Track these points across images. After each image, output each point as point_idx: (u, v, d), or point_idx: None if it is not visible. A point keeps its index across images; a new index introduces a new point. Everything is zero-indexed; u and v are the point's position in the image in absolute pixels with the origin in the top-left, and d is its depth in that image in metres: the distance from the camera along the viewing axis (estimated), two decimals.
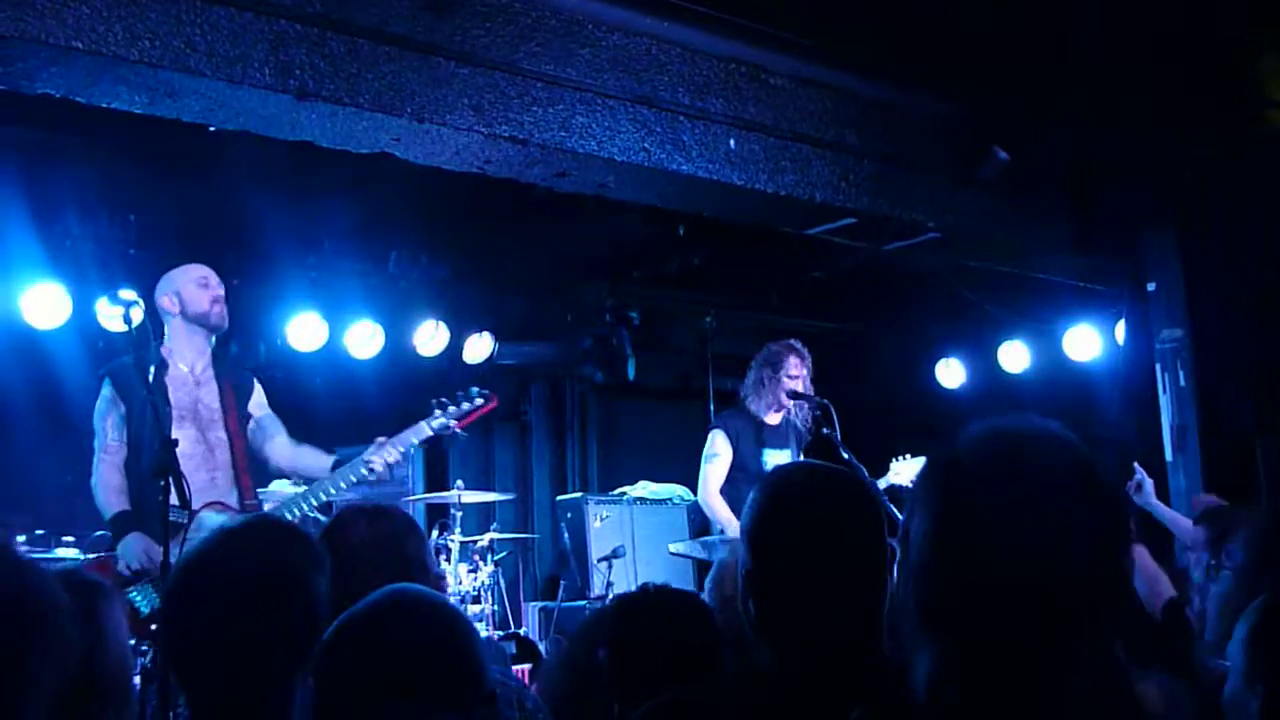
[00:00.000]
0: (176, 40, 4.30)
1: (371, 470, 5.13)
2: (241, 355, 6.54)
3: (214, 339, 5.33)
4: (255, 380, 5.54)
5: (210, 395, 5.23)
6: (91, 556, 5.17)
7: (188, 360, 5.23)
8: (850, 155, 6.16)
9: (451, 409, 5.37)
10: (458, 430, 5.46)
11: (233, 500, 5.11)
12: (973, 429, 1.57)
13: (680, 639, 2.86)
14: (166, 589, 2.42)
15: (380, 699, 1.99)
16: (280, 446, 5.41)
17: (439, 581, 3.13)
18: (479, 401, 5.43)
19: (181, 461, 4.64)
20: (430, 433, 5.32)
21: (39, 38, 4.03)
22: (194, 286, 5.23)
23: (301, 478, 5.57)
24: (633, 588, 7.61)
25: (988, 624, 1.45)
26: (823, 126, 6.06)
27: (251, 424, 5.38)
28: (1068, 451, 1.52)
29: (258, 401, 5.46)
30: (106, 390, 5.09)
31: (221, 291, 5.30)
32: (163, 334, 5.22)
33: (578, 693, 3.08)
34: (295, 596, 2.32)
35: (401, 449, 5.19)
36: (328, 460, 5.31)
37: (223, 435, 5.19)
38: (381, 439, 5.22)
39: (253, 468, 5.30)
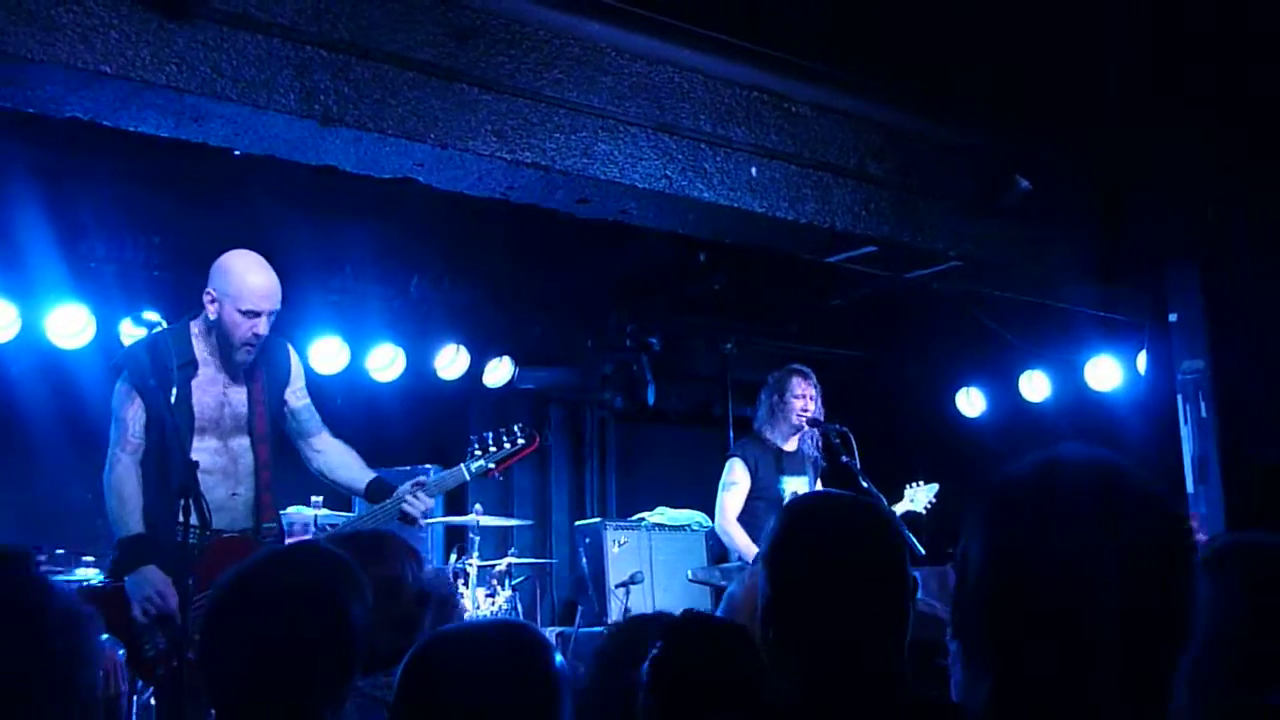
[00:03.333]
0: (203, 65, 4.34)
1: (408, 519, 4.82)
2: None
3: None
4: (292, 360, 5.01)
5: (238, 394, 4.76)
6: (104, 583, 4.70)
7: (218, 357, 4.74)
8: (872, 183, 6.16)
9: (492, 450, 5.10)
10: (497, 475, 5.20)
11: (249, 522, 4.71)
12: (1028, 456, 1.59)
13: (726, 667, 2.83)
14: (208, 607, 2.43)
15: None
16: (319, 446, 5.01)
17: (418, 602, 3.14)
18: (520, 443, 5.13)
19: (201, 476, 4.37)
20: (468, 478, 5.08)
21: (68, 62, 4.07)
22: (237, 312, 4.64)
23: (336, 485, 5.15)
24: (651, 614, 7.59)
25: (1048, 646, 1.46)
26: (844, 154, 6.07)
27: (287, 413, 4.96)
28: (1122, 478, 1.53)
29: (295, 389, 4.98)
30: (124, 381, 4.61)
31: (264, 329, 4.67)
32: (198, 316, 4.75)
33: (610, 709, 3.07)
34: (332, 624, 2.34)
35: (434, 495, 4.89)
36: (364, 478, 4.95)
37: (245, 441, 4.74)
38: (421, 479, 4.89)
39: (275, 479, 4.85)
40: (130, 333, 6.90)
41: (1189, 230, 6.88)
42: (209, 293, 4.71)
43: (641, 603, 7.75)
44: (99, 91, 4.29)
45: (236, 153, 4.92)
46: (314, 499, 6.29)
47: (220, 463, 4.69)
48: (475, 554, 7.42)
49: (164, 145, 4.76)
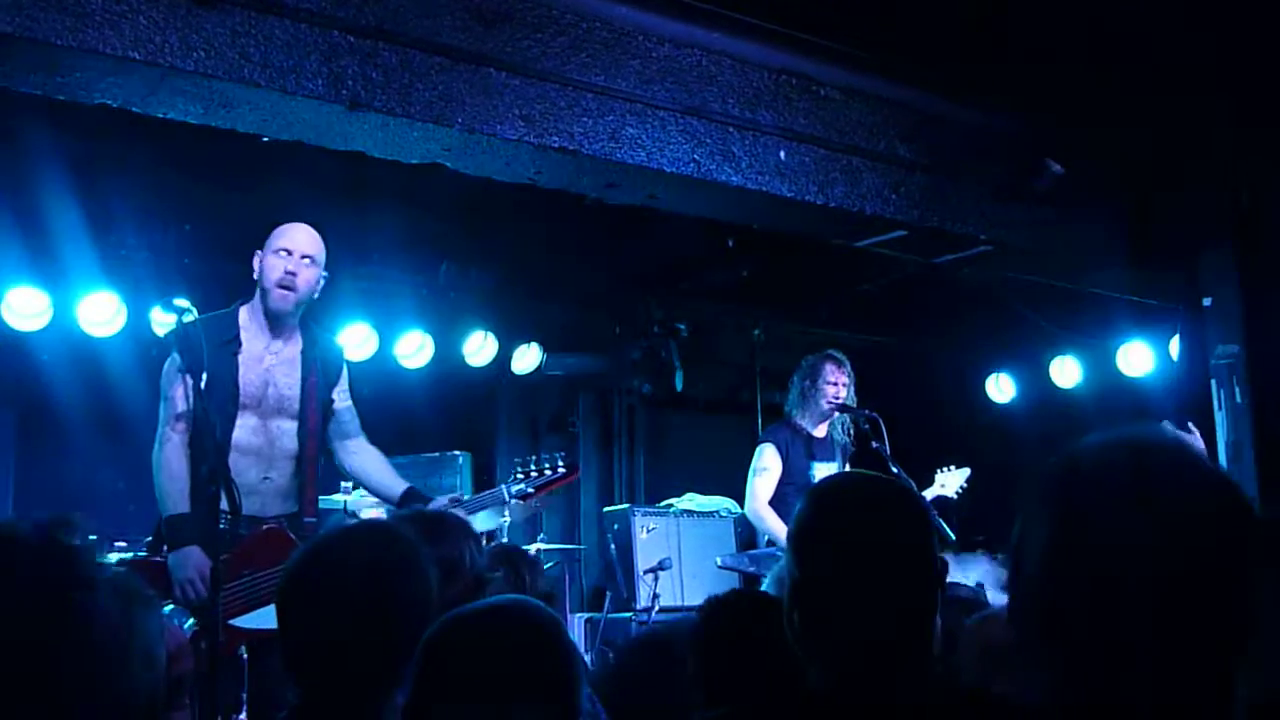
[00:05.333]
0: (231, 51, 4.34)
1: None
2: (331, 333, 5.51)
3: (299, 309, 4.87)
4: (345, 363, 5.15)
5: (288, 378, 4.81)
6: (139, 555, 4.81)
7: (265, 335, 4.81)
8: (901, 167, 6.12)
9: (534, 475, 5.28)
10: (535, 501, 5.46)
11: (290, 507, 4.74)
12: (1089, 438, 1.54)
13: (769, 643, 2.82)
14: (281, 585, 2.48)
15: (466, 703, 2.01)
16: (355, 449, 5.07)
17: (475, 585, 3.18)
18: (561, 471, 5.33)
19: (235, 456, 4.50)
20: (507, 499, 5.26)
21: (97, 48, 4.08)
22: (272, 254, 4.77)
23: (368, 489, 5.29)
24: (679, 600, 7.61)
25: (1113, 630, 1.43)
26: (874, 138, 6.03)
27: (331, 412, 5.00)
28: (1187, 457, 1.50)
29: (341, 390, 5.06)
30: (174, 361, 4.60)
31: (300, 268, 4.76)
32: (252, 296, 4.87)
33: (654, 698, 3.06)
34: (410, 595, 2.41)
35: (472, 512, 5.02)
36: (399, 487, 4.99)
37: (289, 425, 4.78)
38: (459, 496, 5.09)
39: (320, 473, 4.92)
40: (161, 320, 6.93)
41: (1223, 213, 6.81)
42: (255, 258, 4.87)
43: (670, 589, 7.75)
44: (128, 78, 4.30)
45: (265, 139, 4.93)
46: (344, 484, 6.31)
47: (256, 443, 4.72)
48: (504, 540, 7.42)
49: (193, 131, 4.78)
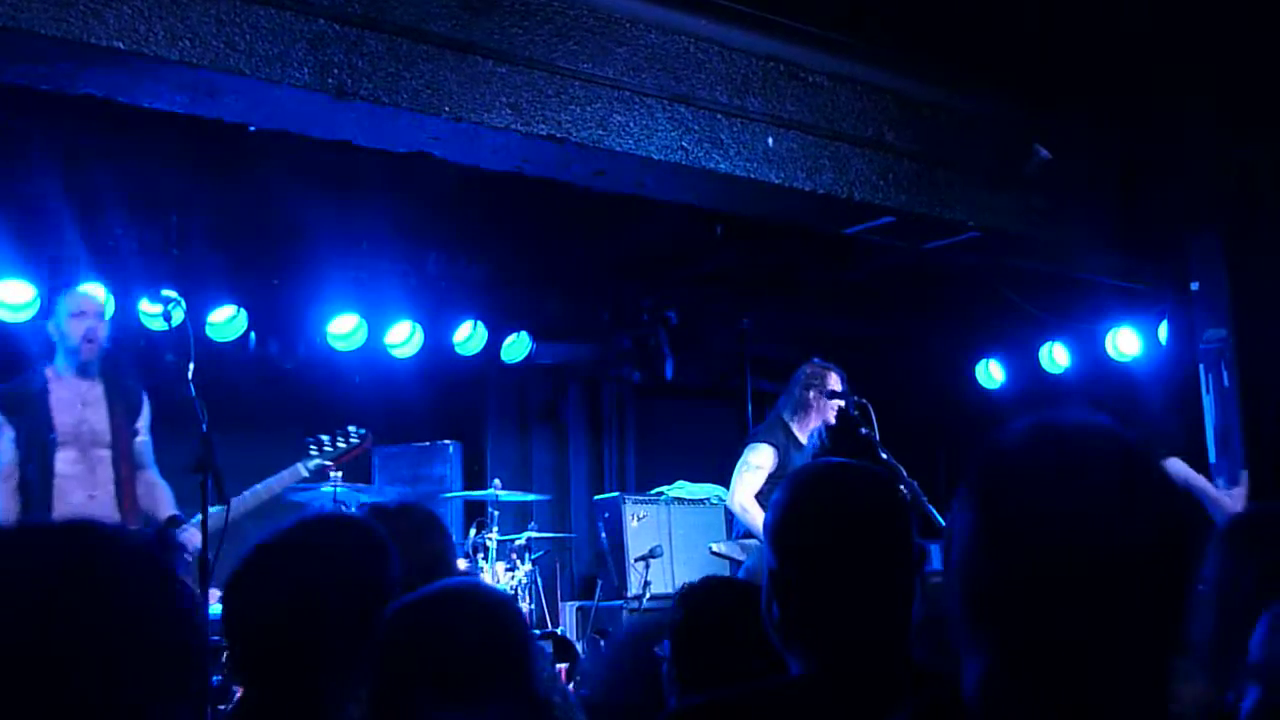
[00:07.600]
0: (217, 40, 4.33)
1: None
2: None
3: (100, 358, 5.39)
4: (145, 398, 5.61)
5: (98, 415, 5.32)
6: None
7: (72, 383, 5.30)
8: (889, 153, 6.12)
9: (327, 449, 5.59)
10: (332, 471, 5.77)
11: (115, 519, 5.12)
12: (1016, 423, 1.53)
13: (745, 630, 2.81)
14: (229, 579, 2.45)
15: (429, 689, 1.99)
16: (141, 480, 5.46)
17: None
18: (354, 441, 5.67)
19: (59, 482, 5.09)
20: (306, 475, 5.56)
21: (81, 38, 4.06)
22: (69, 319, 5.30)
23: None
24: (670, 588, 7.61)
25: (1038, 620, 1.40)
26: (862, 125, 6.02)
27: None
28: (1114, 442, 1.47)
29: (142, 422, 5.55)
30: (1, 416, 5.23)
31: (97, 323, 5.34)
32: (54, 354, 5.34)
33: (631, 691, 3.06)
34: (354, 594, 2.35)
35: (272, 492, 5.45)
36: (164, 514, 5.41)
37: (104, 453, 5.28)
38: (258, 487, 5.46)
39: (140, 491, 5.38)
40: (149, 310, 6.92)
41: (1210, 198, 6.82)
42: (49, 326, 5.35)
43: (661, 576, 7.75)
44: (113, 68, 4.29)
45: (252, 128, 4.92)
46: (333, 474, 6.31)
47: (78, 470, 5.26)
48: (495, 528, 7.42)
49: (180, 121, 4.76)
